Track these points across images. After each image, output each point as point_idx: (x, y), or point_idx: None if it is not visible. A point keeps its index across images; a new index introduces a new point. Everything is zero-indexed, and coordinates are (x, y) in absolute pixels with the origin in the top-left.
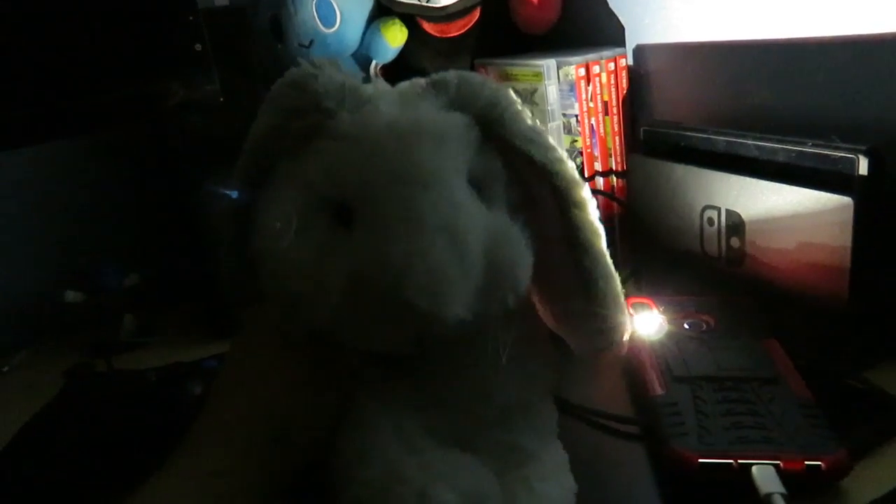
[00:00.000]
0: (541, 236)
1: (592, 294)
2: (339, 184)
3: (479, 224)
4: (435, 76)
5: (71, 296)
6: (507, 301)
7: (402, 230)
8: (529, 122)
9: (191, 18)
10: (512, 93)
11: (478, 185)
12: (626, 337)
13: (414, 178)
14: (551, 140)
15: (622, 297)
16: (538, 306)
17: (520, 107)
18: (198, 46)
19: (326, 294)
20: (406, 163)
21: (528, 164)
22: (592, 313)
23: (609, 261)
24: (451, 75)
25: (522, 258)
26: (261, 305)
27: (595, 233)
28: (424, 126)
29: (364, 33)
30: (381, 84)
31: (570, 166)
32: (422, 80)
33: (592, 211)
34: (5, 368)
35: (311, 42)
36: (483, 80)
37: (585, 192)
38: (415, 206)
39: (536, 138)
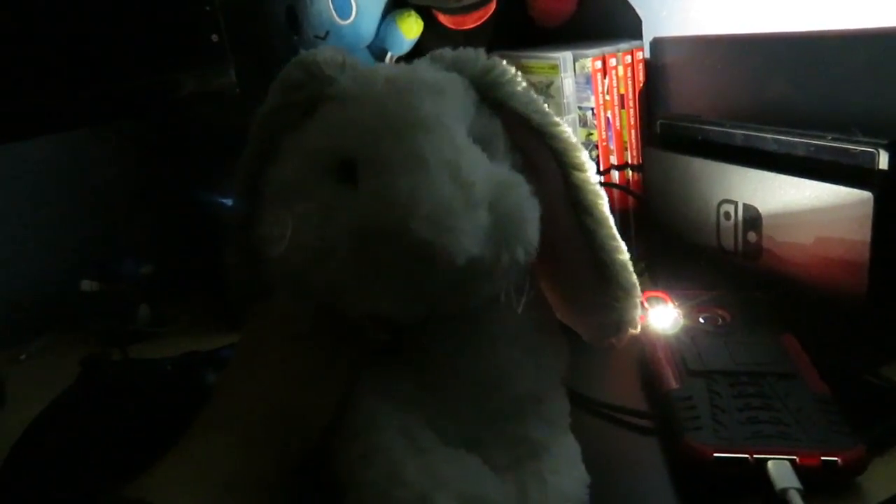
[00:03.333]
0: (543, 203)
1: (598, 259)
2: (342, 140)
3: (483, 167)
4: (433, 52)
5: (87, 285)
6: (516, 253)
7: (405, 171)
8: (524, 88)
9: (207, 9)
10: (506, 63)
11: (479, 142)
12: (636, 315)
13: (414, 123)
14: (546, 107)
15: (629, 264)
16: (546, 294)
17: (516, 74)
18: (214, 37)
19: (334, 251)
20: (406, 110)
21: (526, 129)
22: (600, 285)
23: (613, 224)
24: (447, 50)
25: (529, 207)
26: (267, 300)
27: (597, 194)
28: (422, 80)
29: (379, 25)
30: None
31: (568, 130)
32: (420, 58)
33: (592, 174)
34: (22, 357)
35: (327, 34)
36: (479, 51)
37: (584, 155)
38: (416, 148)
39: (532, 103)
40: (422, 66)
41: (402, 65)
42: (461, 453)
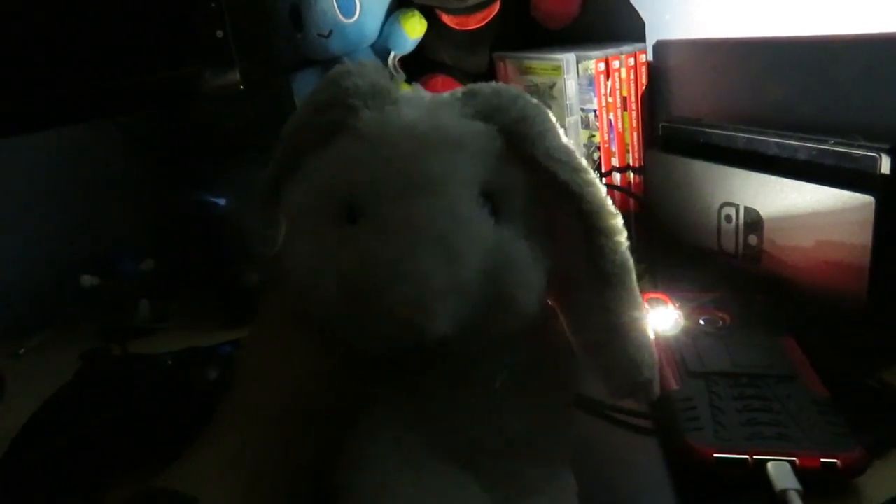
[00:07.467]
0: (563, 263)
1: (615, 330)
2: (350, 181)
3: (482, 240)
4: (471, 86)
5: (87, 280)
6: (506, 325)
7: (396, 235)
8: (562, 140)
9: (213, 5)
10: (547, 110)
11: (492, 200)
12: (654, 376)
13: (419, 183)
14: (583, 162)
15: (649, 337)
16: (568, 334)
17: (553, 124)
18: (219, 34)
19: (323, 290)
20: (415, 167)
21: (554, 185)
22: (615, 350)
23: (637, 296)
24: (486, 86)
25: (528, 281)
26: (277, 290)
27: (622, 266)
28: (441, 131)
29: (383, 24)
30: (419, 90)
31: (601, 191)
32: (458, 90)
33: (622, 241)
34: (22, 351)
35: (331, 32)
36: (518, 93)
37: (617, 220)
38: (414, 213)
39: (566, 158)
40: (448, 108)
41: (432, 100)
42: (455, 470)
